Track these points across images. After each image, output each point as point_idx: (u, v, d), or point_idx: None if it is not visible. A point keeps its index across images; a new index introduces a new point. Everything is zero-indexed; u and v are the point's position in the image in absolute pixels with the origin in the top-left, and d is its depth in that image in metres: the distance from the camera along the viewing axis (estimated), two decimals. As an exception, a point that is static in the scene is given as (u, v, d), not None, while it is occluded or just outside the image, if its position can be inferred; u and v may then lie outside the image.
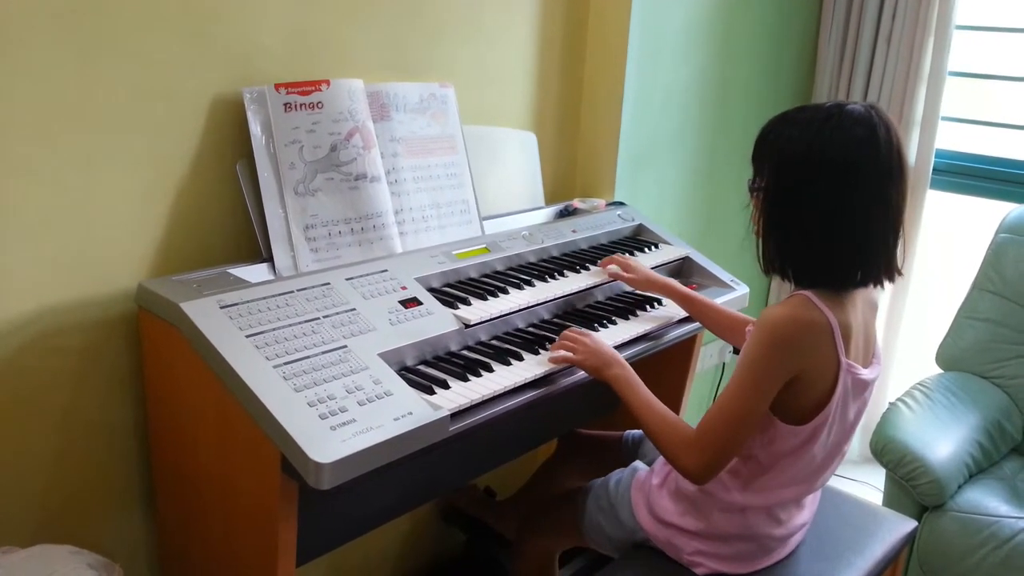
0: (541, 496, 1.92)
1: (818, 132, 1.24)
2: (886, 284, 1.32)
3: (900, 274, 1.34)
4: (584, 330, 1.50)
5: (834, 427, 1.33)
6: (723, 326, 1.65)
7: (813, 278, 1.29)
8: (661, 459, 1.52)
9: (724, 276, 1.93)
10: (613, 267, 1.74)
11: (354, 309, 1.38)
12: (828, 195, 1.24)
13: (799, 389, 1.27)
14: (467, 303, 1.52)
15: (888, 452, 2.05)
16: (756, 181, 1.32)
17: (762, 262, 1.33)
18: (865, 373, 1.33)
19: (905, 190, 1.26)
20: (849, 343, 1.29)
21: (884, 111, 1.26)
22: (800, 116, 1.27)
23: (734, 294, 1.87)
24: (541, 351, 1.46)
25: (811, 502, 1.48)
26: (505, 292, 1.59)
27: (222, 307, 1.27)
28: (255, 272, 1.43)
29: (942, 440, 2.07)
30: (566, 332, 1.48)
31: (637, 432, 1.80)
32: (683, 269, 1.98)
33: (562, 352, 1.43)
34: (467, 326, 1.46)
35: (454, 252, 1.65)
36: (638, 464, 1.59)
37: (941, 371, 2.40)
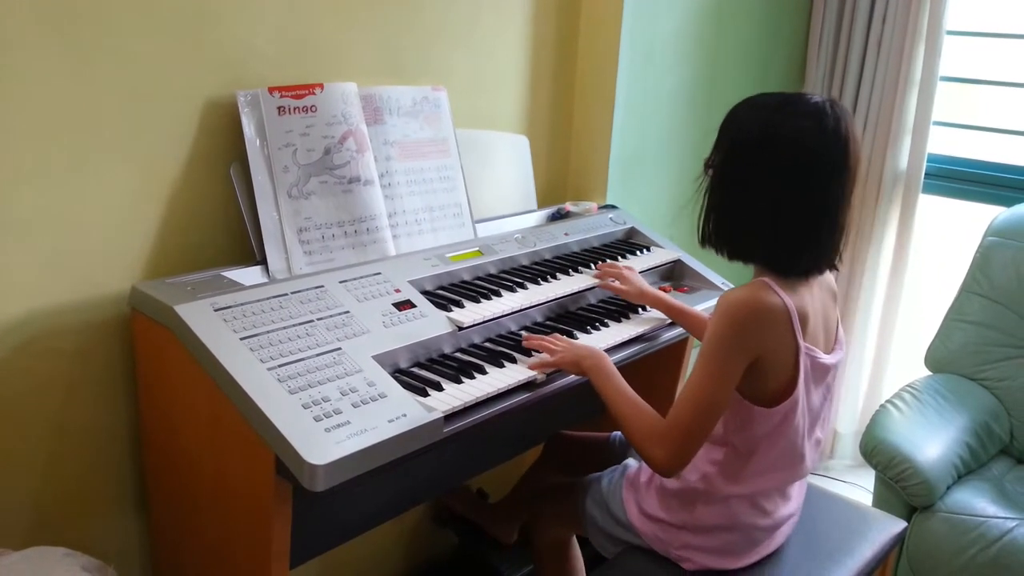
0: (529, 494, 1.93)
1: (769, 117, 1.27)
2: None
3: (835, 269, 1.37)
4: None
5: (806, 412, 1.35)
6: None
7: (743, 257, 1.33)
8: None
9: (715, 279, 1.94)
10: (608, 278, 1.75)
11: (348, 312, 1.38)
12: (765, 178, 1.27)
13: (762, 372, 1.29)
14: (460, 306, 1.52)
15: (878, 454, 2.07)
16: (711, 158, 1.35)
17: (699, 234, 1.37)
18: (826, 358, 1.35)
19: (848, 186, 1.28)
20: (806, 327, 1.31)
21: (843, 107, 1.29)
22: (759, 100, 1.31)
23: (725, 297, 1.88)
24: (534, 353, 1.47)
25: (796, 494, 1.49)
26: (498, 295, 1.59)
27: (216, 309, 1.27)
28: (249, 275, 1.43)
29: (931, 442, 2.08)
30: (533, 337, 1.48)
31: (624, 433, 1.81)
32: (674, 272, 1.99)
33: (541, 357, 1.44)
34: (460, 328, 1.46)
35: (447, 255, 1.66)
36: (630, 462, 1.60)
37: (930, 373, 2.41)
